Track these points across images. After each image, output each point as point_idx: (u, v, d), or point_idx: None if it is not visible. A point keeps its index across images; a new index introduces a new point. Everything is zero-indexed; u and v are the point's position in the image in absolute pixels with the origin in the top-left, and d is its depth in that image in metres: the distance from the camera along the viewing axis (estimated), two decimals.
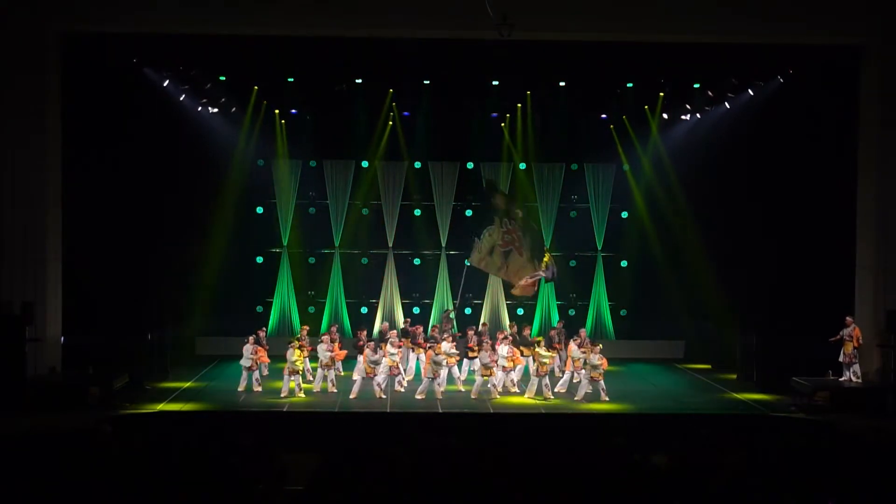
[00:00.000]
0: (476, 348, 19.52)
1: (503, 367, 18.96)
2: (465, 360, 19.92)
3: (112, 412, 16.61)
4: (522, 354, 19.53)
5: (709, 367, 23.10)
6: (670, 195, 24.16)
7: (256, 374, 19.08)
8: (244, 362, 18.92)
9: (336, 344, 19.32)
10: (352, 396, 18.33)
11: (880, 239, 19.17)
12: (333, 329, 20.91)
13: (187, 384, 19.99)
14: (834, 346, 18.78)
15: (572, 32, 18.96)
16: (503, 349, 19.08)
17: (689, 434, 14.31)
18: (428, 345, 19.71)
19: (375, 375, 18.37)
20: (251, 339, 19.21)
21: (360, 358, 18.95)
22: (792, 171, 21.30)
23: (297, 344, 19.01)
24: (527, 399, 18.50)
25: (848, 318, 18.79)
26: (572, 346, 19.40)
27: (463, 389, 19.13)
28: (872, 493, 9.07)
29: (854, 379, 18.56)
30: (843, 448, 11.52)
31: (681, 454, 9.99)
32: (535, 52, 19.68)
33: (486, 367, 18.61)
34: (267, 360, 19.52)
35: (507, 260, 20.91)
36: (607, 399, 18.45)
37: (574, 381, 19.14)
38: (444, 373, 19.05)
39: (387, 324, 22.12)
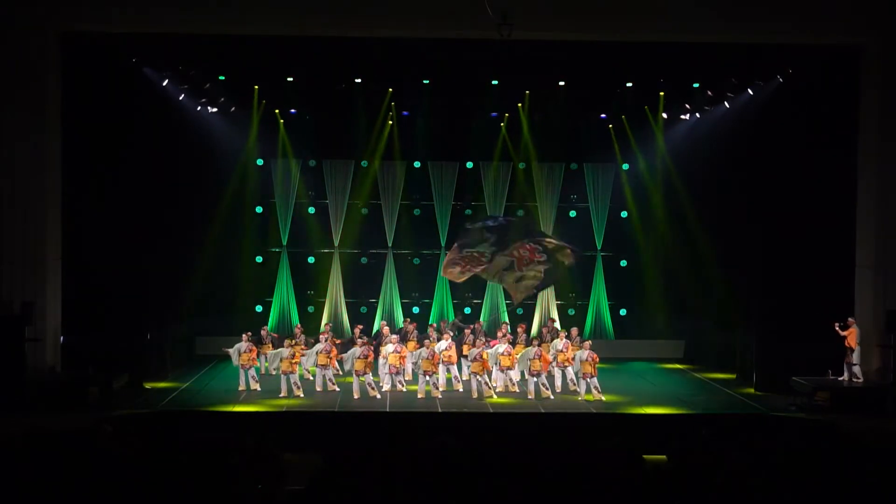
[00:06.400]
0: (471, 346, 19.54)
1: (501, 365, 18.96)
2: (464, 361, 19.89)
3: (112, 412, 16.58)
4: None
5: (708, 368, 23.04)
6: (670, 195, 24.14)
7: (252, 372, 19.10)
8: (234, 361, 19.04)
9: (330, 342, 19.31)
10: (355, 396, 18.34)
11: (880, 239, 19.15)
12: (327, 328, 20.91)
13: (187, 384, 19.98)
14: (834, 346, 18.75)
15: (572, 32, 18.94)
16: (500, 347, 19.07)
17: (689, 434, 14.29)
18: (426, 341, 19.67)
19: (366, 374, 18.37)
20: (244, 337, 19.23)
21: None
22: (792, 171, 21.25)
23: (292, 343, 19.03)
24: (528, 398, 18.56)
25: (850, 318, 18.76)
26: (555, 341, 19.46)
27: (462, 390, 19.14)
28: (872, 493, 9.06)
29: (854, 379, 18.57)
30: (843, 448, 11.52)
31: (681, 454, 9.99)
32: (535, 52, 19.68)
33: (475, 361, 18.56)
34: (256, 357, 19.38)
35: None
36: (602, 397, 18.45)
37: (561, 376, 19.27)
38: (442, 371, 19.06)
39: (384, 322, 22.09)
